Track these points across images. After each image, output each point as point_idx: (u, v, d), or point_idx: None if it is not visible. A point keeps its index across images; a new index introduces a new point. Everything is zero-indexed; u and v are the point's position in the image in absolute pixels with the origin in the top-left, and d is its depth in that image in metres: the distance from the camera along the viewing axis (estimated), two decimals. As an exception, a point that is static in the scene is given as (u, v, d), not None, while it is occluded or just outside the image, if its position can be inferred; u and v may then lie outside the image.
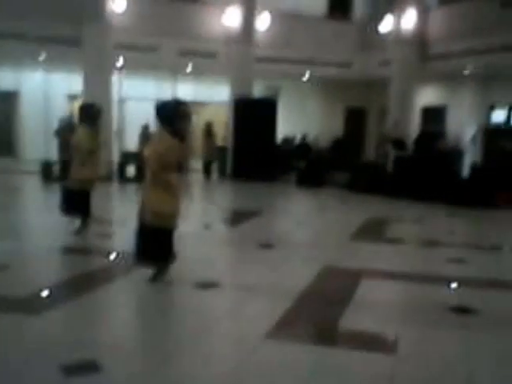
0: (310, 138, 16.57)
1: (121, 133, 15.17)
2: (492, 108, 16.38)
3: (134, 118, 15.50)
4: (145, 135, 13.94)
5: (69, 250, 6.03)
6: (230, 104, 14.92)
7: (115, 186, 13.30)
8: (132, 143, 14.91)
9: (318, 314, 4.24)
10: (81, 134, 6.58)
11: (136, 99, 15.62)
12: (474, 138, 14.05)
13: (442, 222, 8.97)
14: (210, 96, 17.94)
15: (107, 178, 13.60)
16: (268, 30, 15.41)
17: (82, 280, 5.00)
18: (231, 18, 14.82)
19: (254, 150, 13.85)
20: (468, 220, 8.76)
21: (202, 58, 14.89)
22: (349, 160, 14.59)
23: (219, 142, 15.79)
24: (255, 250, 6.25)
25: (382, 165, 12.52)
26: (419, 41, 15.24)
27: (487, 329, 3.93)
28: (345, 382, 3.05)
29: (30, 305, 4.22)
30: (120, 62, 14.20)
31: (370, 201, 10.78)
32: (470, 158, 13.07)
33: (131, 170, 14.02)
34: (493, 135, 12.83)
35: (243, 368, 3.18)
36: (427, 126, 16.50)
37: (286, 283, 4.91)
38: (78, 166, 6.55)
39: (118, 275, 5.15)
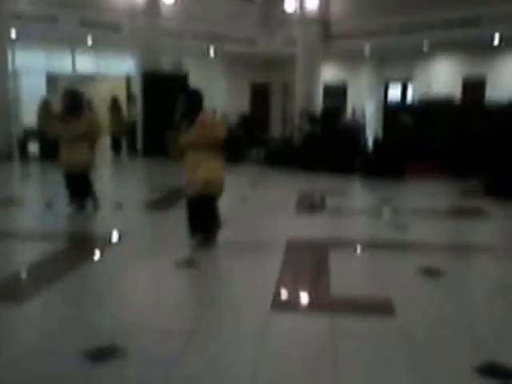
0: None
1: (17, 107, 13.95)
2: (387, 85, 17.58)
3: (31, 92, 14.37)
4: (45, 110, 12.84)
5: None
6: (139, 78, 14.37)
7: (17, 165, 12.27)
8: (29, 118, 13.77)
9: (306, 284, 4.39)
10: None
11: (32, 72, 14.43)
12: (377, 113, 14.96)
13: (366, 193, 9.55)
14: (111, 69, 17.08)
15: (7, 157, 12.52)
16: (173, 3, 15.00)
17: (46, 266, 4.67)
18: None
19: (166, 126, 13.45)
20: (387, 190, 9.27)
21: (104, 29, 14.12)
22: (257, 136, 14.81)
23: (124, 117, 15.22)
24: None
25: (297, 140, 12.89)
26: (322, 20, 15.76)
27: (458, 287, 4.29)
28: (359, 349, 3.10)
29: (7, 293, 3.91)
30: (14, 33, 13.02)
31: (290, 175, 11.04)
32: (373, 132, 13.90)
33: (33, 148, 13.03)
34: (390, 111, 13.68)
35: (259, 340, 3.21)
36: (329, 103, 17.25)
37: (263, 253, 4.98)
38: (72, 148, 6.65)
39: (79, 260, 4.87)
